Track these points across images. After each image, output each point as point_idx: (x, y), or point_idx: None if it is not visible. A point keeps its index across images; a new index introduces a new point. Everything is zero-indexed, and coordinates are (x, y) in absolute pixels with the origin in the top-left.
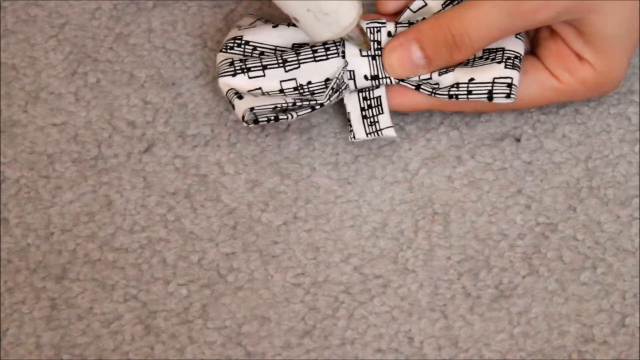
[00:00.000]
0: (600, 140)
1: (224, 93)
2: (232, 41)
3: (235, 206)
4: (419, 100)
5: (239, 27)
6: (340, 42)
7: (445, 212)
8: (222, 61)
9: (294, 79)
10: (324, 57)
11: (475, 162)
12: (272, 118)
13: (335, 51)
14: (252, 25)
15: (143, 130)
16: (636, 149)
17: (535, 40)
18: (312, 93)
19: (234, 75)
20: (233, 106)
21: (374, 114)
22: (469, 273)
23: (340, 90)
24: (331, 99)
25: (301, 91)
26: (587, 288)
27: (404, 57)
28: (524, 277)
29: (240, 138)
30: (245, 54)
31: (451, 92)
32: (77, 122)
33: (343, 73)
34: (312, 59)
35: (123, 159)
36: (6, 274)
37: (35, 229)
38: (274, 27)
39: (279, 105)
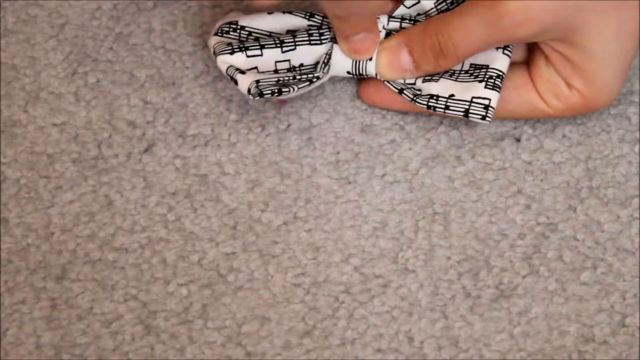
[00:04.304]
0: (600, 140)
1: (224, 71)
2: (227, 26)
3: (235, 206)
4: (392, 98)
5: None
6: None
7: (445, 212)
8: (217, 42)
9: (289, 60)
10: (318, 42)
11: (475, 162)
12: (276, 91)
13: (328, 36)
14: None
15: (143, 130)
16: (636, 149)
17: (530, 59)
18: (304, 74)
19: (232, 53)
20: (235, 81)
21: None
22: (469, 273)
23: (329, 63)
24: (324, 70)
25: (294, 73)
26: (587, 288)
27: (393, 60)
28: (524, 277)
29: (240, 138)
30: (241, 38)
31: (430, 103)
32: (77, 122)
33: (332, 50)
34: (308, 42)
35: (123, 159)
36: (6, 274)
37: (35, 229)
38: (269, 13)
39: (281, 79)
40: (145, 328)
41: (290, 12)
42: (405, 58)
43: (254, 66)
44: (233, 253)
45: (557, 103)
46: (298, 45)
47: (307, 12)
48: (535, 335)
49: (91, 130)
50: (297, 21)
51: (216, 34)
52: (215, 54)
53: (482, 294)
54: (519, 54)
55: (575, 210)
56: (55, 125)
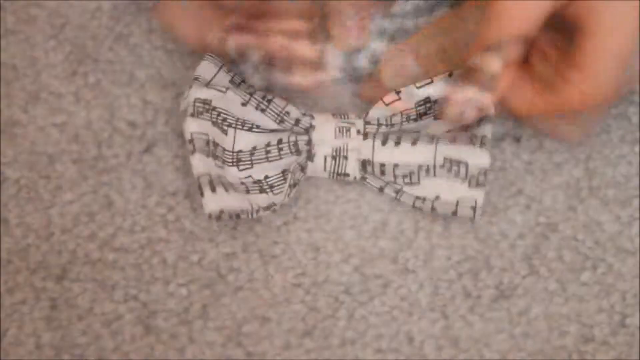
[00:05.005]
0: (600, 140)
1: (197, 171)
2: (202, 105)
3: None
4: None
5: (197, 78)
6: (295, 142)
7: None
8: (193, 132)
9: (250, 176)
10: (277, 158)
11: None
12: (235, 216)
13: (288, 151)
14: (217, 88)
15: (143, 130)
16: (636, 149)
17: (525, 58)
18: (272, 186)
19: (207, 156)
20: (202, 194)
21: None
22: (469, 273)
23: (298, 182)
24: (289, 195)
25: (261, 185)
26: (587, 288)
27: (400, 70)
28: (524, 277)
29: None
30: (212, 119)
31: (416, 204)
32: (77, 122)
33: (297, 168)
34: (265, 160)
35: (123, 159)
36: (6, 274)
37: (35, 229)
38: (242, 104)
39: (245, 209)
40: (145, 328)
41: (262, 110)
42: (412, 65)
43: (223, 175)
44: (233, 253)
45: (555, 100)
46: (255, 163)
47: (281, 113)
48: (535, 335)
49: (91, 130)
50: (266, 123)
51: (192, 115)
52: (193, 152)
53: (482, 294)
54: (514, 53)
55: (575, 210)
56: (55, 125)
